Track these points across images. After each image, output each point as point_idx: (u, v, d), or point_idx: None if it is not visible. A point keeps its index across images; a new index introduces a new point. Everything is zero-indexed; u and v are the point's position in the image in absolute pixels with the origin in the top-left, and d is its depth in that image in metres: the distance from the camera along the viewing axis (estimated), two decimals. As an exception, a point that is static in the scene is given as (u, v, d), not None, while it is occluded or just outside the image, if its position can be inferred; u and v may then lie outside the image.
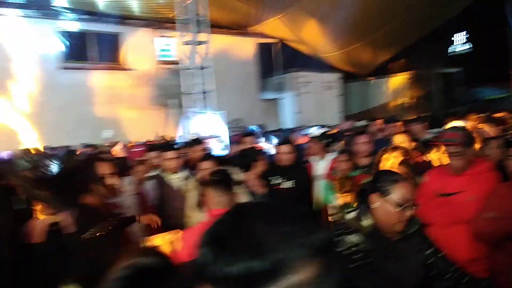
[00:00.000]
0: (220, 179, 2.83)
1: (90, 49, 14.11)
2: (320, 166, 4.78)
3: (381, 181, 2.13)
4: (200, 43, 12.30)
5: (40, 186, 3.48)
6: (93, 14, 13.76)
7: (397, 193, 2.08)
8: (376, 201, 2.12)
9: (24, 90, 12.35)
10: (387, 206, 2.09)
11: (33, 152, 6.92)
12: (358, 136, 5.13)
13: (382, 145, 5.00)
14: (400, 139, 5.08)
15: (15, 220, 3.50)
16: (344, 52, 17.26)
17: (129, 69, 14.62)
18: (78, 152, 7.36)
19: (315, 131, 4.97)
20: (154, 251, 1.02)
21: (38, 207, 3.41)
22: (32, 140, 11.44)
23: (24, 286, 3.24)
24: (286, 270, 0.65)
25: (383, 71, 19.36)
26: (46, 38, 12.99)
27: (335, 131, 7.51)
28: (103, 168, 2.97)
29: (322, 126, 7.63)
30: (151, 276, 0.87)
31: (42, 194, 3.39)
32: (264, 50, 18.11)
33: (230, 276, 0.64)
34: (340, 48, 17.00)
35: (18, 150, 7.93)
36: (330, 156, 4.77)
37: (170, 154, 4.31)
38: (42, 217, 3.45)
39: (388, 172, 2.32)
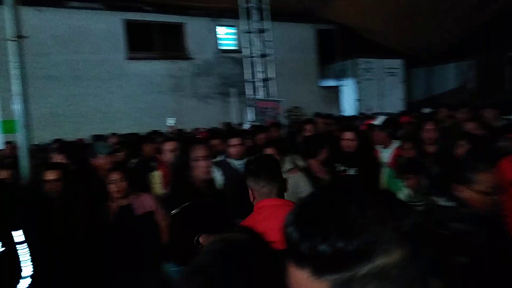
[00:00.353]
0: (257, 169, 2.45)
1: (154, 40, 14.55)
2: (385, 154, 4.69)
3: (466, 169, 2.08)
4: (261, 31, 12.34)
5: (116, 169, 3.68)
6: (156, 5, 14.17)
7: (482, 181, 2.02)
8: (462, 190, 2.07)
9: (93, 80, 12.98)
10: (473, 195, 2.03)
11: (108, 138, 7.31)
12: (424, 123, 4.98)
13: (451, 132, 4.83)
14: (470, 126, 4.88)
15: (92, 202, 3.73)
16: (408, 36, 16.63)
17: (191, 58, 14.95)
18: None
19: (380, 119, 4.85)
20: (246, 229, 1.05)
21: (113, 189, 3.60)
22: (102, 127, 12.03)
23: (98, 263, 3.45)
24: (377, 252, 0.65)
25: (450, 55, 18.47)
26: (113, 30, 13.53)
27: (399, 118, 7.32)
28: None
29: (386, 114, 7.44)
30: (243, 251, 0.91)
31: (119, 176, 3.58)
32: (324, 37, 17.84)
33: (319, 255, 0.65)
34: (405, 32, 16.39)
35: (93, 136, 8.36)
36: (395, 144, 4.67)
37: (234, 140, 4.39)
38: (116, 199, 3.65)
39: (471, 160, 2.25)
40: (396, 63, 18.00)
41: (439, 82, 18.96)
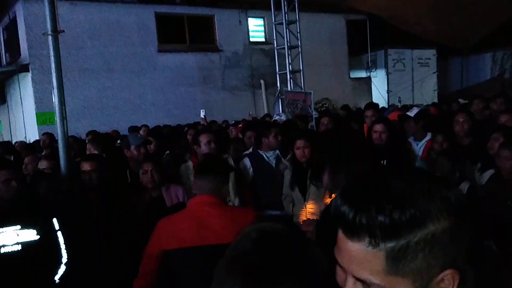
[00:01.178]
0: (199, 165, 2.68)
1: (184, 32, 14.67)
2: (418, 146, 4.63)
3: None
4: (290, 22, 12.29)
5: (149, 160, 3.77)
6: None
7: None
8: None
9: (125, 73, 13.22)
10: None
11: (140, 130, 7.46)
12: (457, 114, 4.88)
13: (486, 124, 4.72)
14: (505, 118, 4.76)
15: (126, 193, 3.83)
16: (444, 25, 16.22)
17: (221, 50, 15.02)
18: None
19: (414, 110, 4.75)
20: (283, 218, 1.06)
21: (145, 180, 3.69)
22: (133, 119, 12.26)
23: (130, 254, 3.54)
24: (429, 220, 0.73)
25: (486, 44, 17.92)
26: (144, 23, 13.72)
27: (432, 110, 7.19)
28: None
29: (418, 105, 7.32)
30: (280, 240, 0.93)
31: (151, 167, 3.66)
32: (355, 27, 17.59)
33: (377, 226, 0.72)
34: (440, 21, 15.99)
35: (129, 128, 8.52)
36: (428, 137, 4.60)
37: (269, 132, 4.42)
38: (148, 189, 3.74)
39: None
40: (429, 53, 17.63)
41: (474, 72, 18.46)
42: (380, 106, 13.41)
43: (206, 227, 2.36)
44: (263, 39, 15.74)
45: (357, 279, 0.77)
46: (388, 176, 0.78)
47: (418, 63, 17.61)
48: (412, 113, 4.71)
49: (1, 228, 2.96)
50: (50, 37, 3.85)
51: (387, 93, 17.02)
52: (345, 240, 0.77)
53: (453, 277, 0.77)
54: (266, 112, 13.93)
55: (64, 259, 3.24)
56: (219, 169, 2.53)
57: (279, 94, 12.29)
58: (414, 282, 0.75)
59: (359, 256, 0.75)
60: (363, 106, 11.96)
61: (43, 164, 4.11)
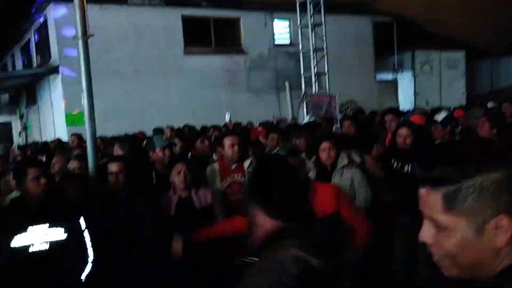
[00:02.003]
0: None
1: (210, 34, 14.79)
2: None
3: None
4: (316, 25, 12.25)
5: (181, 160, 3.82)
6: (213, 0, 14.40)
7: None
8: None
9: (152, 75, 13.40)
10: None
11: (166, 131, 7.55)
12: (481, 118, 4.79)
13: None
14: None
15: (153, 194, 3.88)
16: (473, 26, 15.89)
17: (246, 53, 15.08)
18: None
19: (442, 114, 4.68)
20: (323, 249, 1.01)
21: (177, 180, 3.73)
22: (159, 121, 12.40)
23: (158, 254, 3.59)
24: (480, 172, 0.93)
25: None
26: (171, 25, 13.89)
27: (460, 114, 7.05)
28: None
29: (447, 109, 7.20)
30: (320, 279, 0.90)
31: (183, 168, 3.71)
32: (381, 29, 17.41)
33: (432, 177, 0.98)
34: (470, 22, 15.67)
35: (154, 129, 8.62)
36: (456, 140, 4.53)
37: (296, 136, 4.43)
38: (178, 190, 3.78)
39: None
40: (457, 55, 17.31)
41: (504, 75, 18.01)
42: (406, 109, 13.25)
43: None
44: (288, 42, 15.74)
45: (429, 219, 1.01)
46: (452, 146, 1.04)
47: (446, 65, 17.29)
48: (440, 116, 4.64)
49: (30, 227, 3.04)
50: (80, 41, 3.95)
51: (414, 95, 16.77)
52: (421, 191, 1.02)
53: (507, 223, 0.92)
54: (291, 114, 13.93)
55: (91, 258, 3.30)
56: None
57: (304, 97, 12.27)
58: (468, 222, 0.94)
59: (427, 199, 1.00)
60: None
61: (73, 164, 4.21)
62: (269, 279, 0.88)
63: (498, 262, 0.96)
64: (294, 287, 0.86)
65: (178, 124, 10.25)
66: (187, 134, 8.27)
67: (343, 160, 4.27)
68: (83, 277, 3.21)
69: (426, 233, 1.02)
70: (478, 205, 0.93)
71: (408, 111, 11.65)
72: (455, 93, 16.91)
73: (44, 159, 5.39)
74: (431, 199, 0.99)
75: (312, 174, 4.30)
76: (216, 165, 4.08)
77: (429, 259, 3.58)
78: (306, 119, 8.13)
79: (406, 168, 4.46)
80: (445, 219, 0.97)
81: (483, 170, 0.93)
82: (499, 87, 17.70)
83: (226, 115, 8.96)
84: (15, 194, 3.81)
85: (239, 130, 8.06)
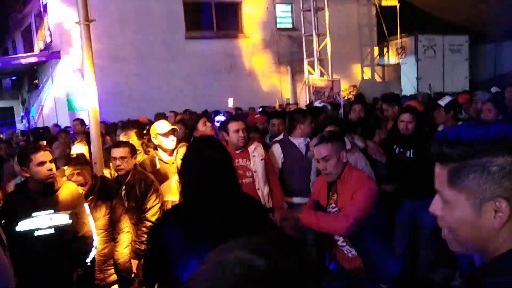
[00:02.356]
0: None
1: (212, 19, 14.68)
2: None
3: None
4: (318, 9, 12.14)
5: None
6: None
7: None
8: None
9: (154, 60, 13.35)
10: None
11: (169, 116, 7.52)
12: (485, 103, 4.78)
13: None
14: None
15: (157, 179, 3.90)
16: (477, 10, 15.71)
17: (248, 37, 14.98)
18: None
19: (446, 99, 4.64)
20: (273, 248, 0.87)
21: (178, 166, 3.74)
22: (162, 106, 12.39)
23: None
24: (484, 154, 0.98)
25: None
26: (172, 10, 13.79)
27: (461, 99, 7.03)
28: None
29: (450, 94, 7.16)
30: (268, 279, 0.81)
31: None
32: (384, 13, 17.24)
33: (442, 154, 1.05)
34: (473, 6, 15.49)
35: (156, 114, 8.61)
36: (458, 126, 4.51)
37: (303, 120, 4.41)
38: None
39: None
40: (461, 39, 17.15)
41: (508, 59, 17.86)
42: (409, 93, 13.19)
43: None
44: (290, 26, 15.61)
45: (438, 193, 1.08)
46: (461, 127, 1.08)
47: (450, 49, 17.16)
48: (443, 101, 4.61)
49: (36, 212, 3.07)
50: (81, 26, 3.93)
51: (417, 80, 16.68)
52: (435, 168, 1.08)
53: (505, 207, 0.96)
54: (292, 99, 13.89)
55: (95, 242, 3.34)
56: None
57: (306, 82, 12.22)
58: (468, 199, 1.00)
59: (438, 175, 1.07)
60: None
61: (78, 149, 4.22)
62: (209, 284, 0.81)
63: (498, 244, 1.00)
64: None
65: (180, 109, 10.23)
66: (189, 119, 8.25)
67: (346, 145, 4.28)
68: (88, 261, 3.26)
69: (435, 205, 1.10)
70: (478, 184, 0.99)
71: (404, 96, 11.60)
72: (458, 78, 16.81)
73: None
74: (440, 174, 1.07)
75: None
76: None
77: (430, 244, 3.60)
78: (316, 103, 8.08)
79: (408, 154, 4.47)
80: (449, 194, 1.04)
81: (488, 152, 0.98)
82: (503, 72, 17.58)
83: (229, 101, 8.93)
84: (19, 179, 3.83)
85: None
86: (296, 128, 4.40)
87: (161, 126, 4.22)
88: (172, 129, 4.18)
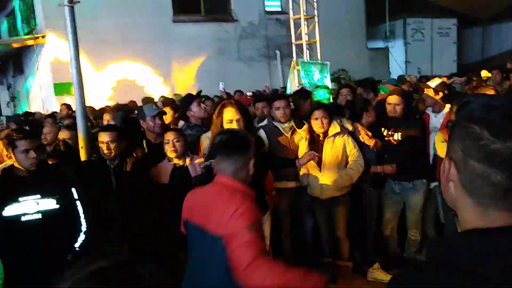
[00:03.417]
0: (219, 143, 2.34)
1: (199, 2, 14.50)
2: (437, 118, 4.57)
3: None
4: (307, -9, 12.02)
5: (170, 130, 3.80)
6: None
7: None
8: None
9: (141, 44, 13.16)
10: None
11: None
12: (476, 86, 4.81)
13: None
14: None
15: (146, 163, 3.88)
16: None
17: (236, 21, 14.84)
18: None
19: (435, 82, 4.65)
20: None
21: (168, 149, 3.72)
22: (150, 90, 12.29)
23: (154, 223, 3.62)
24: (493, 136, 0.89)
25: (508, 13, 17.37)
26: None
27: (451, 81, 7.08)
28: None
29: (439, 76, 7.22)
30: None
31: (173, 137, 3.70)
32: (373, -4, 17.19)
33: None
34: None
35: (143, 99, 8.56)
36: (447, 109, 4.53)
37: (279, 103, 4.39)
38: (170, 159, 3.77)
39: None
40: (449, 23, 17.19)
41: (495, 42, 17.96)
42: (397, 76, 13.21)
43: (210, 208, 2.20)
44: (279, 9, 15.48)
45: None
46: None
47: (438, 33, 17.20)
48: (433, 84, 4.63)
49: (22, 197, 3.05)
50: (66, 8, 3.86)
51: (405, 63, 16.73)
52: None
53: (447, 165, 0.96)
54: (281, 83, 13.84)
55: (84, 227, 3.33)
56: (239, 150, 2.28)
57: (295, 65, 12.15)
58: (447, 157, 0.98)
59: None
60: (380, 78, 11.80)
61: (63, 135, 4.18)
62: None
63: (462, 215, 0.96)
64: None
65: (169, 94, 10.18)
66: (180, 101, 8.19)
67: (335, 128, 4.29)
68: (76, 246, 3.24)
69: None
70: (451, 143, 0.97)
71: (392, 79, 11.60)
72: (446, 61, 16.88)
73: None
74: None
75: (303, 142, 4.33)
76: (208, 134, 4.02)
77: (418, 224, 3.66)
78: (295, 88, 8.08)
79: (396, 136, 4.49)
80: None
81: (469, 120, 0.94)
82: (490, 55, 17.69)
83: (220, 84, 8.85)
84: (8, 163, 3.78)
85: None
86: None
87: (148, 110, 4.21)
88: (160, 111, 4.16)
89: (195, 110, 4.55)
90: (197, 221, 2.22)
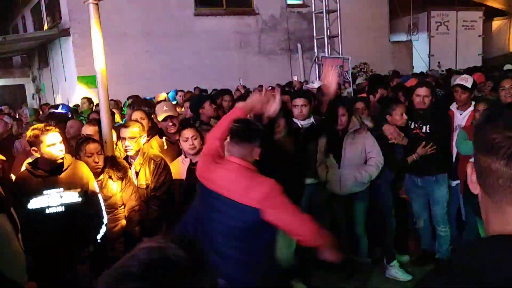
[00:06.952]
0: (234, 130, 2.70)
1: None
2: (462, 116, 4.48)
3: None
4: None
5: (189, 127, 3.84)
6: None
7: None
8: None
9: (162, 37, 13.23)
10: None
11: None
12: (502, 81, 4.68)
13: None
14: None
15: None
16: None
17: (258, 14, 14.78)
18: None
19: (468, 79, 4.50)
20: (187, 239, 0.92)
21: (185, 147, 3.76)
22: (171, 84, 12.34)
23: (170, 217, 3.67)
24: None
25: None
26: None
27: (476, 77, 6.90)
28: None
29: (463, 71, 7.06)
30: (171, 268, 0.84)
31: (192, 134, 3.74)
32: (396, -12, 16.91)
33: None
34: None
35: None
36: (472, 107, 4.43)
37: (298, 101, 4.34)
38: (188, 156, 3.81)
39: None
40: (474, 15, 16.81)
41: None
42: (420, 71, 13.02)
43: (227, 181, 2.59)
44: (300, 2, 15.36)
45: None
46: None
47: (463, 25, 16.84)
48: (467, 82, 4.46)
49: (46, 191, 3.13)
50: (90, 5, 3.90)
51: (429, 57, 16.44)
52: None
53: (471, 168, 0.96)
54: (302, 77, 13.78)
55: (105, 220, 3.39)
56: (251, 136, 2.65)
57: (316, 60, 12.08)
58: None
59: None
60: (402, 72, 11.59)
61: (88, 130, 4.23)
62: (120, 261, 0.85)
63: (485, 218, 0.95)
64: (136, 273, 0.81)
65: (189, 86, 10.21)
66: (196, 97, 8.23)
67: (354, 125, 4.26)
68: (98, 238, 3.31)
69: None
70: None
71: (415, 74, 11.43)
72: (471, 55, 16.53)
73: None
74: None
75: (323, 138, 4.30)
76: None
77: (446, 220, 3.61)
78: (306, 86, 8.01)
79: (424, 129, 4.40)
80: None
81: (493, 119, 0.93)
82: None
83: (239, 81, 8.86)
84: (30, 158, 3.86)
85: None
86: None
87: (159, 112, 4.35)
88: (169, 115, 4.26)
89: (208, 109, 4.74)
90: (218, 190, 2.58)
